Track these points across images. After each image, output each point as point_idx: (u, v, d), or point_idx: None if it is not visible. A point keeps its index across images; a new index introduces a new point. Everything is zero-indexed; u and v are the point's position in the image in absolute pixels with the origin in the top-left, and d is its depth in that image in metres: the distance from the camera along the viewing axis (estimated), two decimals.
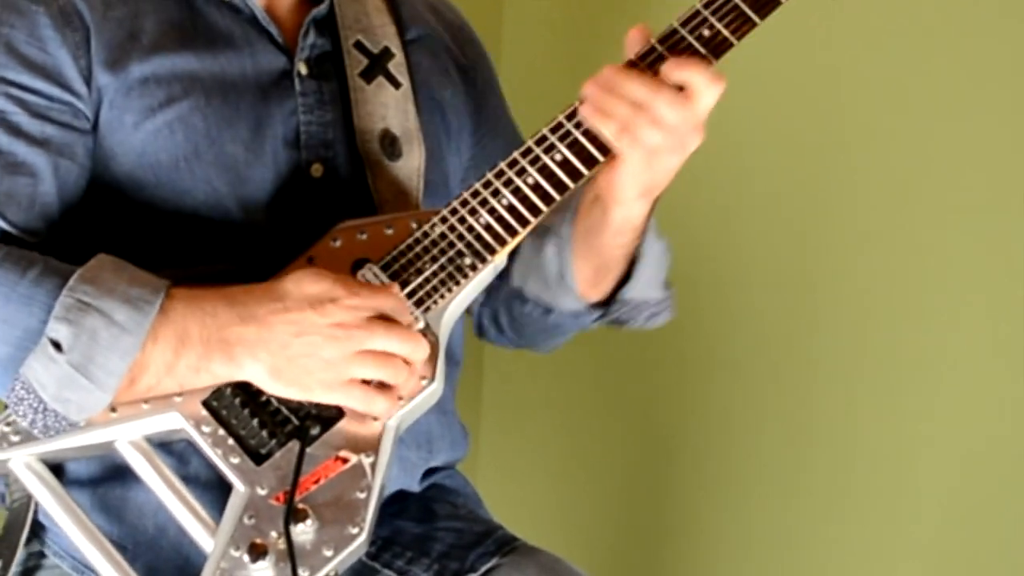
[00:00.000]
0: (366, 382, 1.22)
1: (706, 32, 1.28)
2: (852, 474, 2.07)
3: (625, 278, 1.41)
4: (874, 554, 2.05)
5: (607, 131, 1.27)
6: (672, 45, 1.27)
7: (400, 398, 1.23)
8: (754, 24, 1.27)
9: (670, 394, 2.26)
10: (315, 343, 1.19)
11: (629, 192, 1.31)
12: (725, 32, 1.27)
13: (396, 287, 1.25)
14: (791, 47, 2.04)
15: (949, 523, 1.99)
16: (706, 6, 1.28)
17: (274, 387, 1.21)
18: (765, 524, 2.16)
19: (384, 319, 1.22)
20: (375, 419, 1.23)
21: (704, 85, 1.25)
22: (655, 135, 1.26)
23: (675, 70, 1.26)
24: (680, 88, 1.26)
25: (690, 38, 1.28)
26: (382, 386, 1.22)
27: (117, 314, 1.16)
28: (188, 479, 1.24)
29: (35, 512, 1.25)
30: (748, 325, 2.16)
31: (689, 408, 2.24)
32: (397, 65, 1.44)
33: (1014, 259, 1.92)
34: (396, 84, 1.43)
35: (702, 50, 1.27)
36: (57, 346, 1.16)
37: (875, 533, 2.05)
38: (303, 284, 1.21)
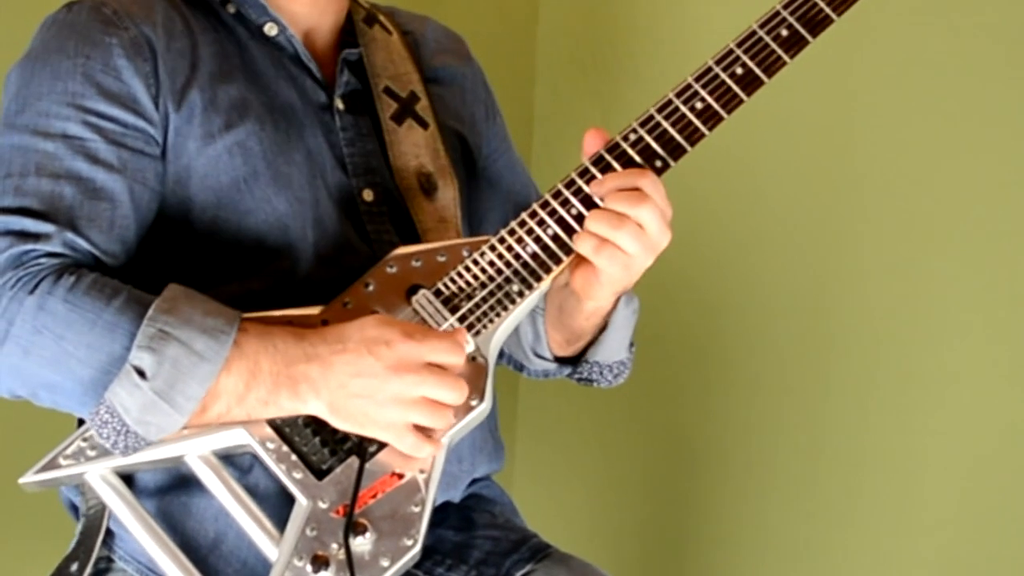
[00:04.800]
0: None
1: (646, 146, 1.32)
2: (863, 485, 2.10)
3: (593, 341, 1.46)
4: (884, 560, 2.08)
5: (584, 249, 1.30)
6: (618, 155, 1.32)
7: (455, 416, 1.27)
8: (703, 135, 1.33)
9: (694, 410, 2.29)
10: (370, 385, 1.23)
11: (604, 294, 1.35)
12: (662, 152, 1.32)
13: (461, 333, 1.29)
14: (809, 80, 2.05)
15: (955, 532, 2.02)
16: (642, 125, 1.33)
17: (335, 422, 1.25)
18: (781, 531, 2.19)
19: (437, 366, 1.25)
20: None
21: (652, 187, 1.29)
22: (635, 245, 1.29)
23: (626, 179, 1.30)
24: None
25: (631, 151, 1.33)
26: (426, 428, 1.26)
27: (196, 343, 1.21)
28: (247, 489, 1.28)
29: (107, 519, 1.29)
30: (766, 347, 2.20)
31: (711, 424, 2.27)
32: (423, 108, 1.49)
33: (1018, 282, 1.96)
34: (424, 125, 1.48)
35: (638, 159, 1.32)
36: (141, 373, 1.19)
37: (885, 540, 2.08)
38: (365, 328, 1.25)
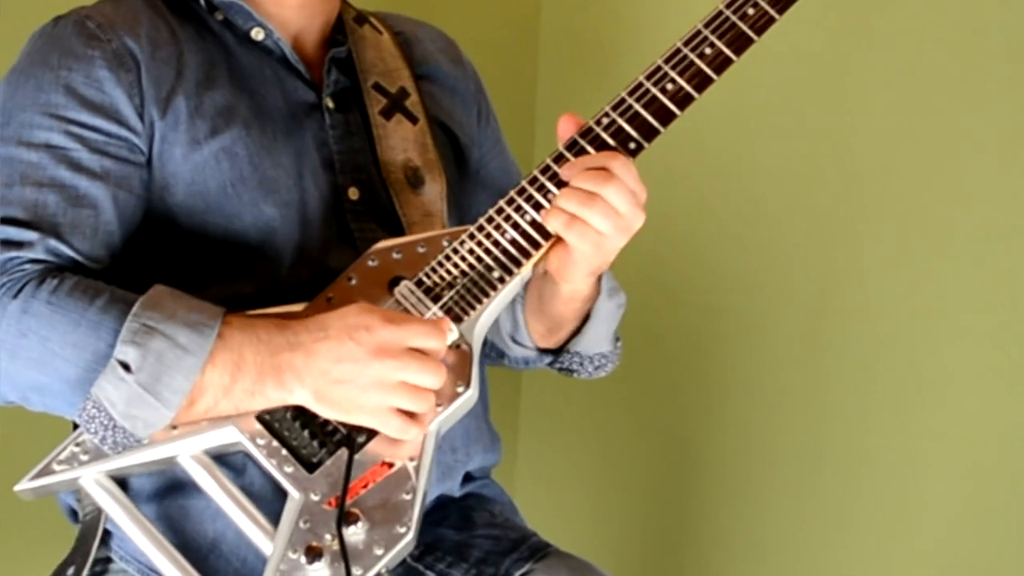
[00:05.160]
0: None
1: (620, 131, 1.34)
2: (863, 485, 2.10)
3: (576, 331, 1.47)
4: (884, 560, 2.08)
5: (554, 225, 1.31)
6: (592, 139, 1.34)
7: (439, 404, 1.29)
8: (675, 116, 1.34)
9: (694, 410, 2.29)
10: (352, 370, 1.24)
11: (579, 274, 1.36)
12: (635, 134, 1.34)
13: (444, 320, 1.30)
14: (809, 80, 2.11)
15: (955, 532, 2.02)
16: (614, 108, 1.34)
17: (320, 410, 1.26)
18: (780, 531, 2.19)
19: (419, 351, 1.26)
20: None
21: (621, 168, 1.31)
22: (605, 223, 1.30)
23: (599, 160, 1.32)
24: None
25: (604, 135, 1.34)
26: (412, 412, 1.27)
27: (180, 337, 1.22)
28: (242, 489, 1.29)
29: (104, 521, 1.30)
30: (766, 347, 2.21)
31: (711, 423, 2.27)
32: (413, 103, 1.51)
33: (1018, 282, 1.96)
34: (413, 120, 1.50)
35: (612, 142, 1.34)
36: (126, 367, 1.21)
37: (885, 540, 2.08)
38: (346, 315, 1.26)
